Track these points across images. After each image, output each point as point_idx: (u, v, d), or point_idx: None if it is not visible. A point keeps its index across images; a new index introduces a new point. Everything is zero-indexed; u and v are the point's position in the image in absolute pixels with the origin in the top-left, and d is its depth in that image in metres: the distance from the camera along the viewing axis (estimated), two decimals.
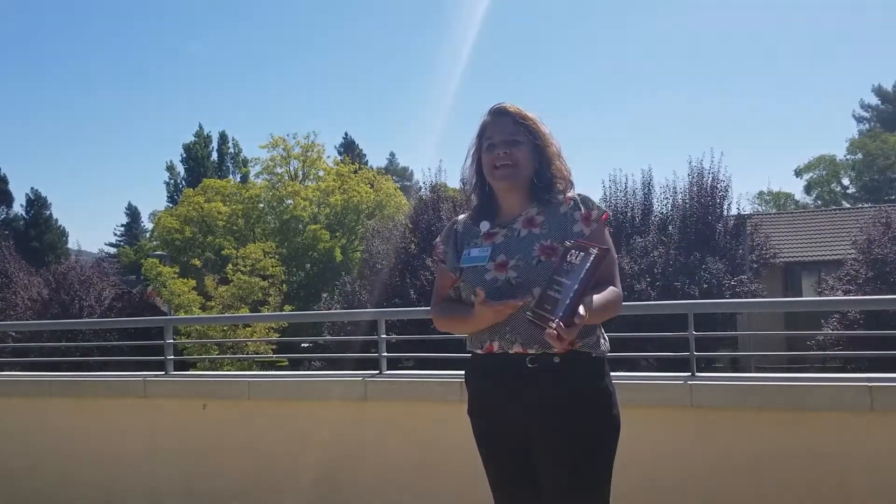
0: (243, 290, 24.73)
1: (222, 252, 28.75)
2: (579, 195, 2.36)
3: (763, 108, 67.67)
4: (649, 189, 18.48)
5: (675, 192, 18.25)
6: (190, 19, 71.29)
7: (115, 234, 54.72)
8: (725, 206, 18.09)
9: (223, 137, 48.01)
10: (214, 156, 47.73)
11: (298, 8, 71.09)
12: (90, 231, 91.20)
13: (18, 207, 47.26)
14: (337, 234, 30.90)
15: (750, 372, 10.55)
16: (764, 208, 44.27)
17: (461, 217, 2.55)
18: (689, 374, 3.54)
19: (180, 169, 47.82)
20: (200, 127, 47.78)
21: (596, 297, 2.17)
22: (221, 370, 12.06)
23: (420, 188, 27.44)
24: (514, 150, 2.34)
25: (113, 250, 49.39)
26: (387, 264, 21.55)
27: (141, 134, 74.12)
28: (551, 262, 2.23)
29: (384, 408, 3.94)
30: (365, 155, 49.20)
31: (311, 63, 72.80)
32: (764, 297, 15.71)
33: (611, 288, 2.26)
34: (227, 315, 19.97)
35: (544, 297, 2.14)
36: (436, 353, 4.75)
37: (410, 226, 22.18)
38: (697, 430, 3.44)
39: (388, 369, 4.11)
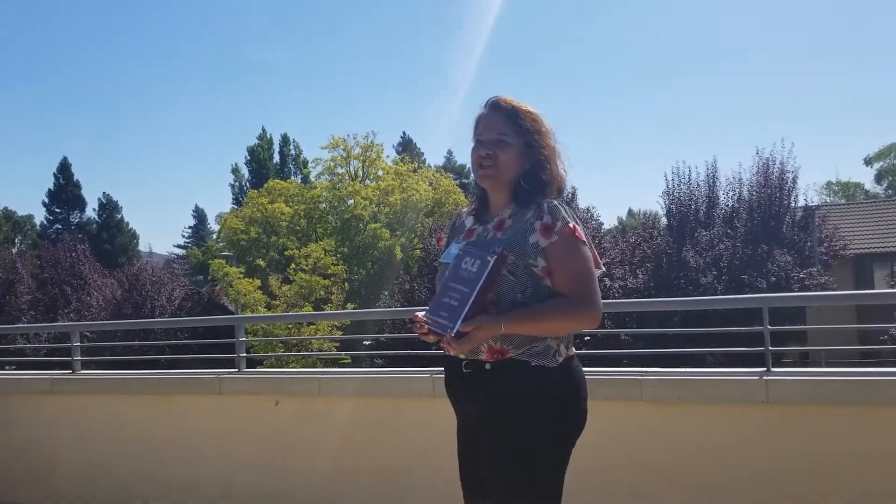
0: (305, 289, 25.15)
1: (286, 252, 29.26)
2: (549, 202, 2.18)
3: (831, 96, 65.56)
4: (714, 181, 18.13)
5: (741, 184, 17.87)
6: (251, 26, 72.70)
7: (183, 236, 56.31)
8: (793, 198, 17.64)
9: (285, 140, 48.88)
10: (276, 158, 48.62)
11: (351, 11, 71.74)
12: (160, 233, 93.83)
13: (91, 212, 49.01)
14: (397, 232, 31.12)
15: (821, 366, 10.26)
16: (832, 199, 42.93)
17: (464, 210, 2.50)
18: (765, 369, 3.47)
19: (244, 171, 48.88)
20: (263, 130, 48.73)
21: (529, 309, 2.13)
22: (286, 367, 12.29)
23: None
24: (498, 151, 2.23)
25: (181, 251, 50.76)
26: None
27: (206, 138, 76.03)
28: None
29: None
30: (423, 153, 49.52)
31: (368, 64, 73.41)
32: (834, 289, 15.24)
33: (557, 299, 2.15)
34: (295, 313, 20.28)
35: (439, 303, 2.14)
36: None
37: None
38: (774, 427, 3.36)
39: None
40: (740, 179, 17.85)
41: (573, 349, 2.26)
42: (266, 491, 4.37)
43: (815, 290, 14.87)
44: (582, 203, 20.28)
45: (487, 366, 2.18)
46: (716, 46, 68.71)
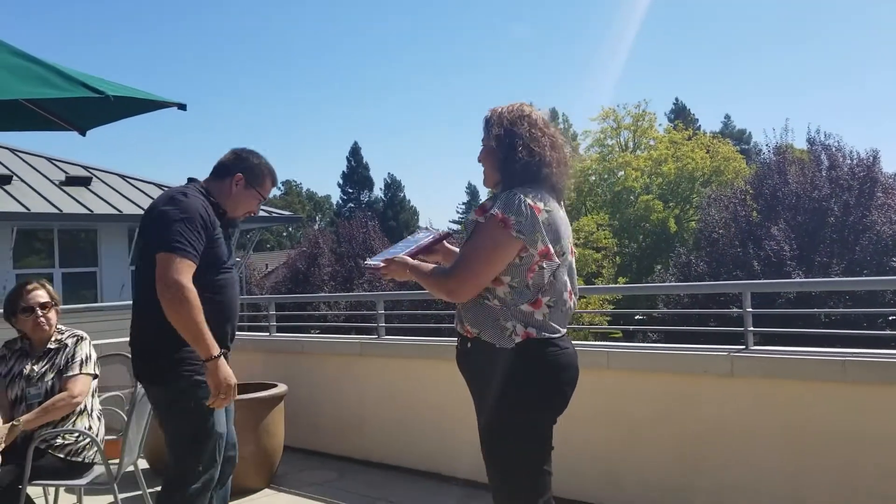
0: (578, 263, 25.27)
1: None
2: (505, 193, 2.40)
3: None
4: None
5: None
6: (513, 4, 74.02)
7: (457, 213, 59.16)
8: None
9: (553, 114, 49.22)
10: None
11: None
12: (437, 210, 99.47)
13: (378, 191, 53.36)
14: (670, 203, 30.09)
15: None
16: None
17: None
18: None
19: None
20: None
21: (426, 265, 2.53)
22: None
23: (761, 151, 25.56)
24: (480, 156, 2.56)
25: (457, 227, 53.48)
26: (725, 233, 20.55)
27: (474, 116, 79.06)
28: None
29: (751, 384, 3.75)
30: (697, 119, 47.27)
31: (635, 29, 71.31)
32: None
33: (440, 266, 2.53)
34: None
35: (385, 253, 2.68)
36: (808, 328, 4.40)
37: (752, 191, 20.84)
38: None
39: (754, 345, 3.89)
40: None
41: (537, 331, 2.36)
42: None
43: None
44: (887, 167, 18.10)
45: (468, 344, 2.45)
46: None
